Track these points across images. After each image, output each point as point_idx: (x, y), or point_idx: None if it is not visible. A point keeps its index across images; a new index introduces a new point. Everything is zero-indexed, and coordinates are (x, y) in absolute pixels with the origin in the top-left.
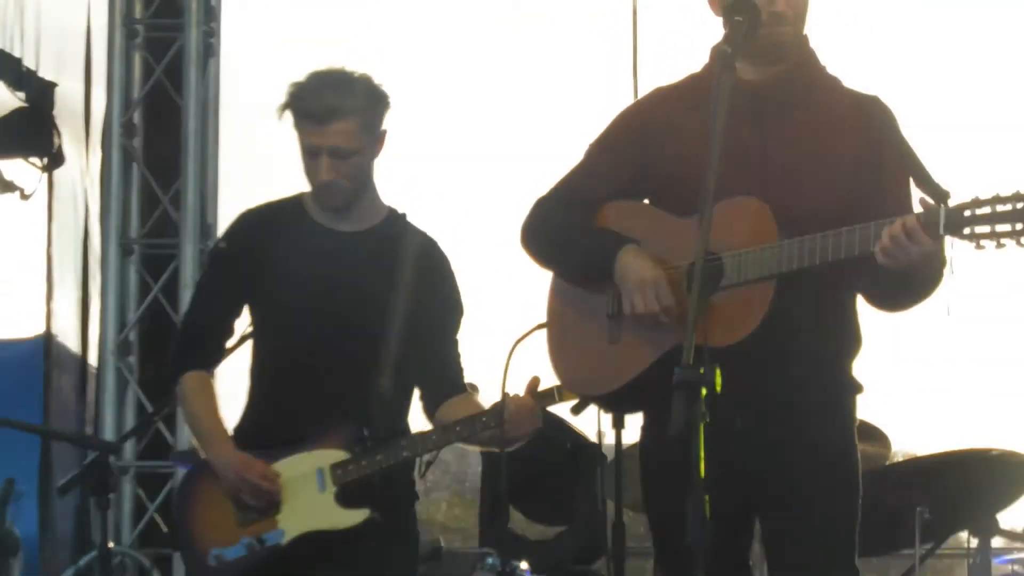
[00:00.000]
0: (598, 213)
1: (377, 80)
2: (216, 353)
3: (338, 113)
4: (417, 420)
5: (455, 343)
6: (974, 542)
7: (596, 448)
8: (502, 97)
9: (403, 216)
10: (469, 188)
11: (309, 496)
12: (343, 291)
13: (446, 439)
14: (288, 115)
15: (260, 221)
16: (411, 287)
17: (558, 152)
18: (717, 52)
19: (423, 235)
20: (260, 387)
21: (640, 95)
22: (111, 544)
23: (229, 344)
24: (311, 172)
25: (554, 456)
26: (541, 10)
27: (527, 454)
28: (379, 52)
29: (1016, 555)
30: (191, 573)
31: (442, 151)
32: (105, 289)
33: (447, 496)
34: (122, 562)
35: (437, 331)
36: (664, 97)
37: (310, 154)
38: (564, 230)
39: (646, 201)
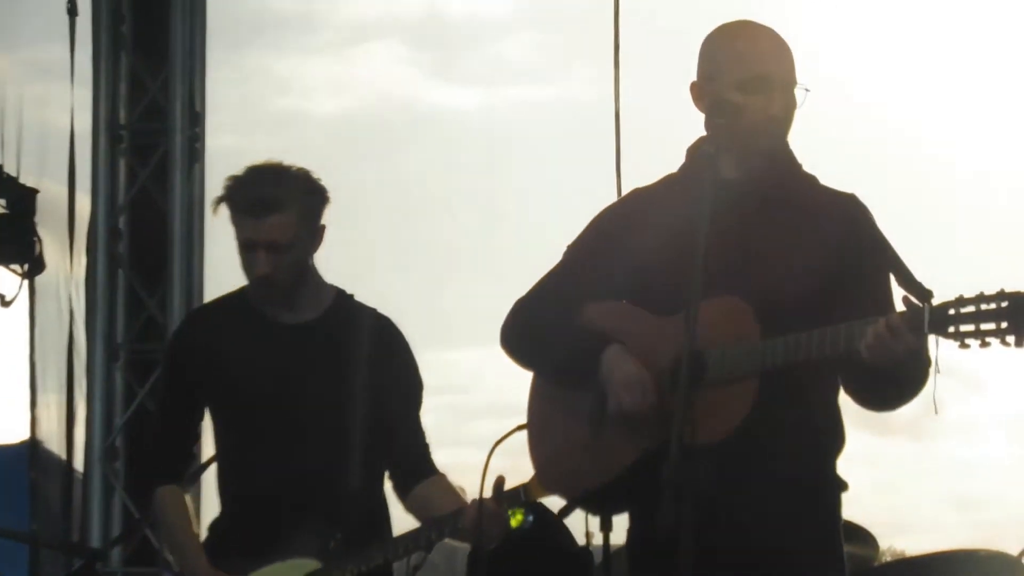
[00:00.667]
0: (578, 314)
1: (315, 175)
2: (184, 462)
3: (274, 207)
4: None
5: (418, 422)
6: None
7: (586, 551)
8: (490, 194)
9: (351, 297)
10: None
11: None
12: (297, 387)
13: (417, 543)
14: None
15: (206, 320)
16: (366, 371)
17: (540, 252)
18: (700, 152)
19: (374, 315)
20: (226, 492)
21: (621, 195)
22: None
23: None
24: (248, 266)
25: (549, 559)
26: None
27: (521, 557)
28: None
29: None
30: None
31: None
32: (91, 394)
33: None
34: None
35: (399, 413)
36: (642, 197)
37: (247, 248)
38: (545, 330)
39: (625, 301)
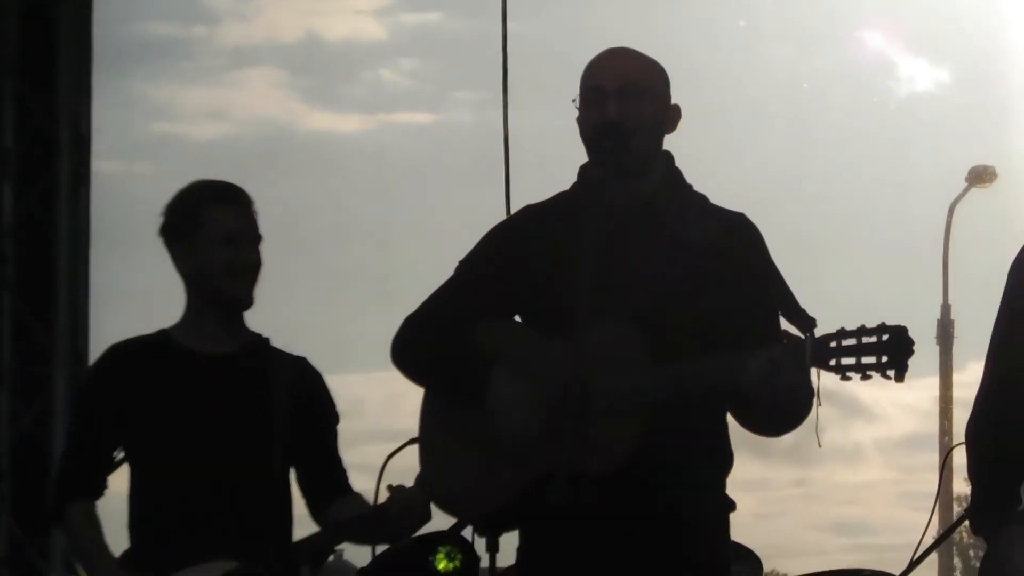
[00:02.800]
0: (468, 331)
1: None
2: (98, 483)
3: (249, 200)
4: None
5: (336, 448)
6: None
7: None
8: (375, 219)
9: (267, 340)
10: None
11: None
12: (221, 414)
13: (337, 538)
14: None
15: (125, 355)
16: (288, 401)
17: (427, 276)
18: (587, 175)
19: (291, 355)
20: (143, 513)
21: (512, 211)
22: None
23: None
24: (229, 260)
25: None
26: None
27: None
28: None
29: None
30: None
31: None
32: None
33: None
34: None
35: (318, 439)
36: (534, 215)
37: (229, 240)
38: (435, 350)
39: (517, 318)
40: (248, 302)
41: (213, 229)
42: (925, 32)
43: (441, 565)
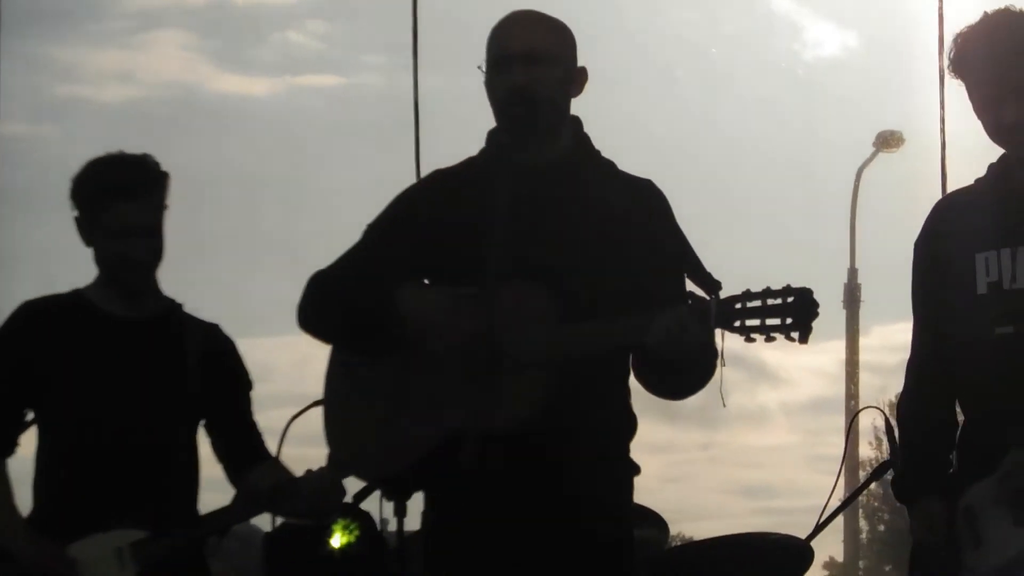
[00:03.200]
0: (377, 291)
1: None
2: (10, 443)
3: (151, 188)
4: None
5: (251, 414)
6: None
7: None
8: (285, 182)
9: (181, 305)
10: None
11: None
12: (133, 378)
13: (252, 510)
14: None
15: (38, 313)
16: (200, 368)
17: (337, 239)
18: (495, 140)
19: (204, 322)
20: (50, 474)
21: (421, 175)
22: None
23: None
24: (123, 252)
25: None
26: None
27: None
28: None
29: None
30: None
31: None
32: None
33: None
34: None
35: (232, 406)
36: (442, 179)
37: (123, 234)
38: (344, 306)
39: (425, 281)
40: (142, 289)
41: (110, 222)
42: None
43: (339, 541)
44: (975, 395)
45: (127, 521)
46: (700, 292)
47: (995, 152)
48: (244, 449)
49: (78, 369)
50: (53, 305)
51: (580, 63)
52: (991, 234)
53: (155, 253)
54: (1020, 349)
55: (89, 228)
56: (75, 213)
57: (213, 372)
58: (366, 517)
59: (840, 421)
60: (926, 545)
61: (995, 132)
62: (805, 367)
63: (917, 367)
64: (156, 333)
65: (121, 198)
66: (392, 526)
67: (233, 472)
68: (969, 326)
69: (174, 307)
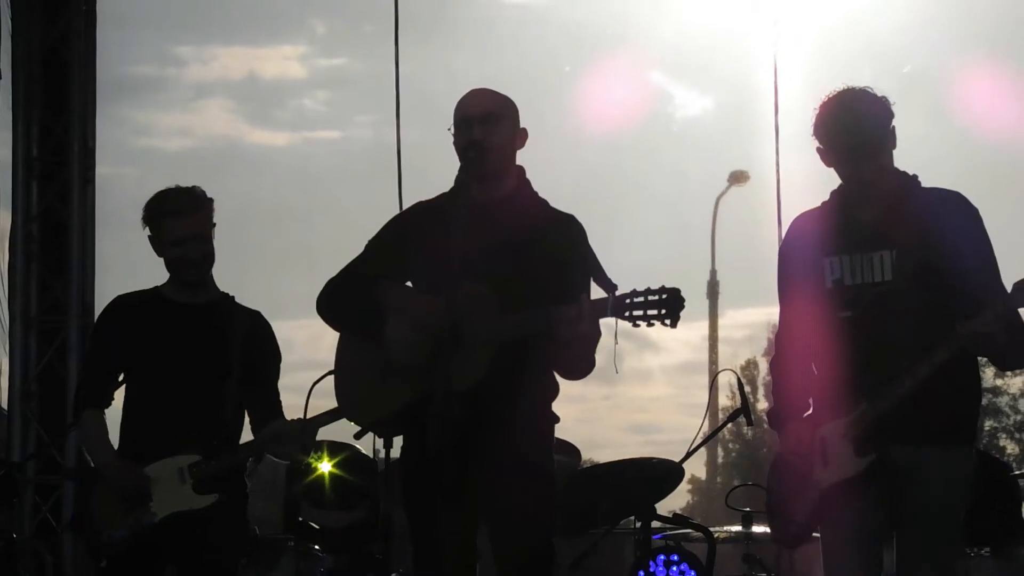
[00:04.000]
0: (372, 290)
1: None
2: (107, 397)
3: (196, 207)
4: None
5: (276, 383)
6: (638, 524)
7: (371, 461)
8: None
9: (232, 297)
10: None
11: (173, 488)
12: (194, 348)
13: (261, 447)
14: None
15: (126, 304)
16: (242, 345)
17: (342, 250)
18: (457, 180)
19: (250, 309)
20: (133, 417)
21: (405, 206)
22: (15, 535)
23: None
24: (183, 255)
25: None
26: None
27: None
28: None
29: (668, 533)
30: (91, 550)
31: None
32: (12, 355)
33: (261, 497)
34: (23, 548)
35: (264, 375)
36: (421, 209)
37: (178, 243)
38: (348, 303)
39: (408, 283)
40: (199, 282)
41: (167, 235)
42: (692, 69)
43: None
44: (826, 361)
45: (187, 449)
46: (602, 292)
47: (816, 188)
48: (265, 408)
49: (153, 342)
50: (136, 298)
51: (522, 126)
52: (834, 243)
53: (205, 255)
54: (857, 328)
55: (157, 241)
56: (147, 232)
57: (253, 348)
58: (353, 449)
59: (702, 379)
60: (788, 457)
61: (842, 175)
62: (678, 339)
63: (783, 338)
64: (211, 316)
65: (173, 216)
66: (382, 455)
67: (255, 424)
68: (821, 311)
69: (226, 297)
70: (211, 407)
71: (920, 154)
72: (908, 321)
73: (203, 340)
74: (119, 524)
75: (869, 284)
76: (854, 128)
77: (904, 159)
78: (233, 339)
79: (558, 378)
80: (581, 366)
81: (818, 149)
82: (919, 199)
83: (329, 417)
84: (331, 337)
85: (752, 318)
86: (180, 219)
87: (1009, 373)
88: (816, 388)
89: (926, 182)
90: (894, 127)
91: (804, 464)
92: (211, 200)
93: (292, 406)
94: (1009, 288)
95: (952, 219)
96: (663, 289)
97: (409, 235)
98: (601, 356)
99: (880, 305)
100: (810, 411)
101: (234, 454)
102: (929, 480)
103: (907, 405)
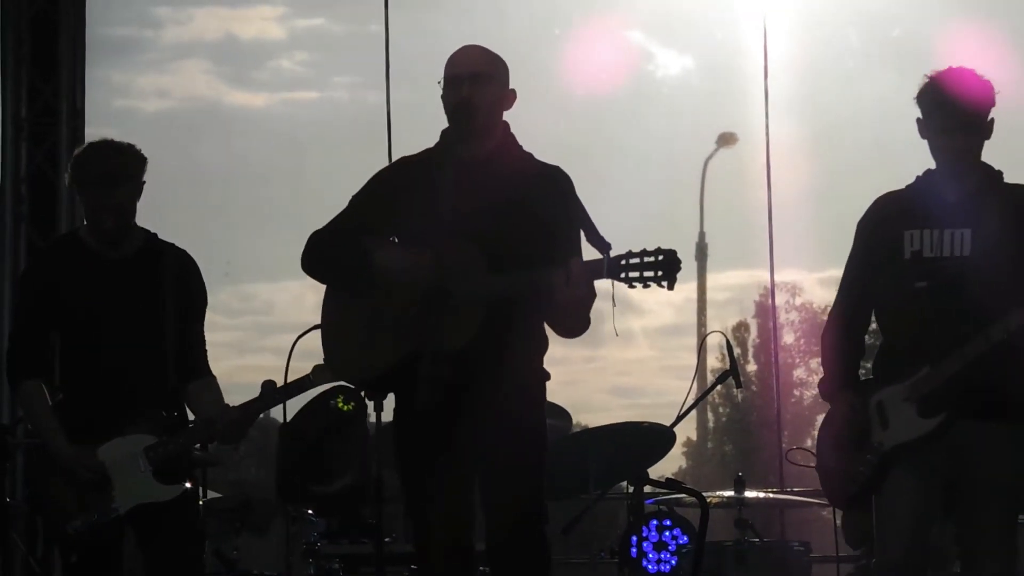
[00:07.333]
0: (357, 244)
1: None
2: (45, 364)
3: (118, 181)
4: None
5: (200, 331)
6: (631, 489)
7: (364, 424)
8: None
9: (155, 235)
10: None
11: (133, 476)
12: (124, 307)
13: (203, 436)
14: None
15: (50, 258)
16: (174, 290)
17: (322, 211)
18: (445, 136)
19: (176, 248)
20: (72, 389)
21: (392, 160)
22: (7, 498)
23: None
24: (97, 224)
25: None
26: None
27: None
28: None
29: (660, 498)
30: (53, 539)
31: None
32: (1, 315)
33: (254, 462)
34: (16, 511)
35: (189, 320)
36: (406, 165)
37: (95, 212)
38: (334, 253)
39: (392, 238)
40: (117, 242)
41: (85, 202)
42: (675, 29)
43: (341, 406)
44: (896, 327)
45: (136, 425)
46: (596, 252)
47: (803, 150)
48: (190, 359)
49: (83, 303)
50: (56, 249)
51: (512, 86)
52: (917, 219)
53: (120, 227)
54: (932, 298)
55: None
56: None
57: (181, 290)
58: (359, 395)
59: (685, 342)
60: (846, 424)
61: (939, 147)
62: (660, 301)
63: (841, 310)
64: (140, 269)
65: (91, 186)
66: (372, 417)
67: (179, 376)
68: (893, 281)
69: (150, 237)
70: (154, 370)
71: (912, 117)
72: (983, 293)
73: (136, 298)
74: (78, 515)
75: (948, 258)
76: (964, 100)
77: (899, 123)
78: (166, 289)
79: (547, 330)
80: (576, 325)
81: (918, 120)
82: (1003, 190)
83: (262, 404)
84: (313, 298)
85: (735, 280)
86: (98, 191)
87: None
88: (879, 356)
89: (919, 145)
90: (992, 119)
91: (858, 430)
92: (141, 164)
93: (274, 367)
94: None
95: None
96: (659, 250)
97: (395, 192)
98: (597, 319)
99: (957, 278)
100: (865, 378)
101: (188, 433)
102: (996, 455)
103: (975, 378)
